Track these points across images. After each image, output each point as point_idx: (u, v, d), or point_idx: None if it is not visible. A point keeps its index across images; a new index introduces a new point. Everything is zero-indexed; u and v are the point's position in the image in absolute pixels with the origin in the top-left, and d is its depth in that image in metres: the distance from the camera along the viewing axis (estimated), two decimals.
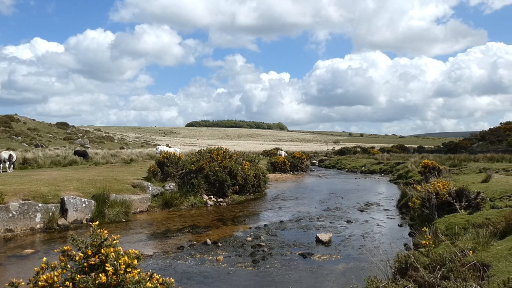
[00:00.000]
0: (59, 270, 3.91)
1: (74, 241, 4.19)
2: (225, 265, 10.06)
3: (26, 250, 11.29)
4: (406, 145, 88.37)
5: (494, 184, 16.23)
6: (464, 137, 73.55)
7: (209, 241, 12.33)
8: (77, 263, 3.99)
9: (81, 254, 4.01)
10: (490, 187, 15.38)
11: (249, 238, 12.85)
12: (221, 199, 21.81)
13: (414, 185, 17.71)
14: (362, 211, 18.51)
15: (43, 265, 3.97)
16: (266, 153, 62.69)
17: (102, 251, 3.94)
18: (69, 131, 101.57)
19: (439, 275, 4.94)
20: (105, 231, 4.40)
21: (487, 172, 20.92)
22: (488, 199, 12.91)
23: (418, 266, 5.44)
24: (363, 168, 50.23)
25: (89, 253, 3.96)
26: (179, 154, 25.36)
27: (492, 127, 66.90)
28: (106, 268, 3.76)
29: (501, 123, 65.57)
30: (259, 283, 8.90)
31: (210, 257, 10.68)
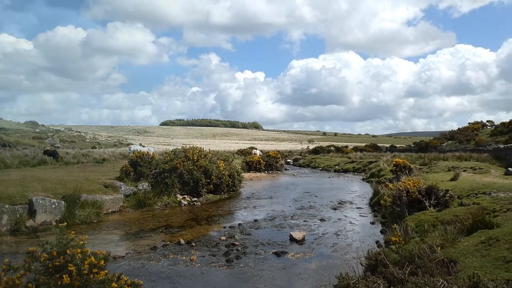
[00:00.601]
0: (22, 272, 3.79)
1: (40, 242, 4.07)
2: (198, 265, 9.99)
3: None
4: (378, 144, 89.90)
5: (462, 182, 16.70)
6: (434, 136, 75.36)
7: (182, 241, 12.23)
8: (41, 264, 3.87)
9: (46, 255, 3.89)
10: (458, 185, 15.81)
11: (223, 238, 12.81)
12: (195, 199, 21.67)
13: (386, 184, 18.06)
14: (335, 209, 18.72)
15: (5, 267, 3.84)
16: (241, 152, 62.65)
17: (68, 251, 3.83)
18: (38, 130, 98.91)
19: (408, 271, 5.05)
20: (72, 232, 4.29)
21: (455, 170, 21.50)
22: (456, 196, 13.27)
23: (388, 263, 5.54)
24: (336, 167, 50.83)
25: (54, 254, 3.85)
26: (153, 153, 25.06)
27: (460, 127, 68.86)
28: (69, 268, 3.65)
29: (469, 123, 67.52)
30: (233, 282, 8.88)
31: (184, 257, 10.60)
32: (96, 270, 3.74)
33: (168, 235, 13.26)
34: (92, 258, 3.89)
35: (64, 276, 3.59)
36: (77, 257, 3.77)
